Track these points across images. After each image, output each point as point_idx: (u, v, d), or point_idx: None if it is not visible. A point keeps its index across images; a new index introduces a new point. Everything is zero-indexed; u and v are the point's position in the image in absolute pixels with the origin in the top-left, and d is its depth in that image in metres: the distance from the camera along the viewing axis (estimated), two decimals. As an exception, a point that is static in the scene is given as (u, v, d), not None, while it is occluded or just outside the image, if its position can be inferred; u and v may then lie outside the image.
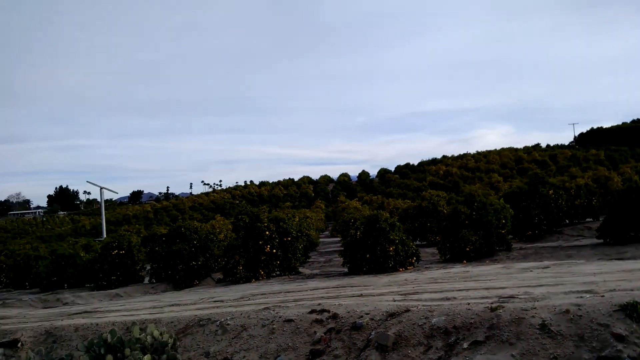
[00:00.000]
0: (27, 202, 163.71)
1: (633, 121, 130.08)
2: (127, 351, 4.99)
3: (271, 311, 8.34)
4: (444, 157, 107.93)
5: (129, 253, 18.05)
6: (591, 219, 22.58)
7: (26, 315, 12.14)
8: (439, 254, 16.47)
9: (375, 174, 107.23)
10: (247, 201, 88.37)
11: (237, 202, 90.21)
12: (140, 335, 5.46)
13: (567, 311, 5.95)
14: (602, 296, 6.38)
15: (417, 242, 23.07)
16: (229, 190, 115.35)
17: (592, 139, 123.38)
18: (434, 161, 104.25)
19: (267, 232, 15.47)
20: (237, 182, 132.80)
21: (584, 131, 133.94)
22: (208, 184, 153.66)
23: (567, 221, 22.72)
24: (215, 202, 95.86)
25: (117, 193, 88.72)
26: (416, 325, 6.65)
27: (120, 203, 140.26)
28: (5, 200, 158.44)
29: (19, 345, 8.81)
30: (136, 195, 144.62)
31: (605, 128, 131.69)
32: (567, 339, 5.64)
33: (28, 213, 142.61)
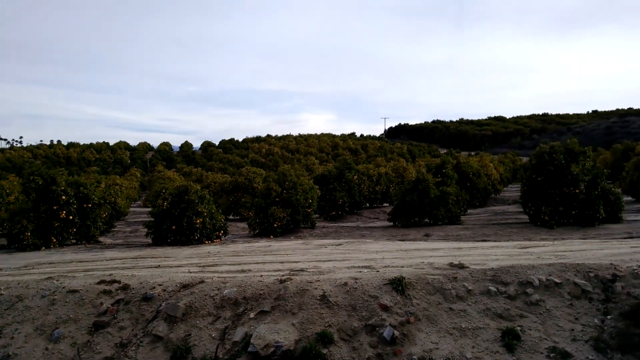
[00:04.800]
0: None
1: (433, 121, 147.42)
2: None
3: (54, 281, 7.66)
4: (269, 136, 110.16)
5: None
6: (387, 204, 25.13)
7: None
8: (249, 229, 16.80)
9: (199, 146, 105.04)
10: (52, 163, 79.51)
11: (39, 162, 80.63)
12: None
13: (346, 284, 6.53)
14: (378, 271, 7.13)
15: (231, 217, 23.23)
16: (30, 148, 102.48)
17: (399, 133, 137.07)
18: (257, 139, 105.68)
19: (64, 197, 14.13)
20: (41, 141, 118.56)
21: (394, 125, 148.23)
22: (5, 139, 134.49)
23: (368, 204, 24.95)
24: (12, 161, 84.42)
25: None
26: (208, 297, 6.69)
27: None
28: None
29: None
30: None
31: (411, 125, 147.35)
32: (342, 309, 6.20)
33: None
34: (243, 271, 7.90)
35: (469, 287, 6.51)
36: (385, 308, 6.14)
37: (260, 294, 6.61)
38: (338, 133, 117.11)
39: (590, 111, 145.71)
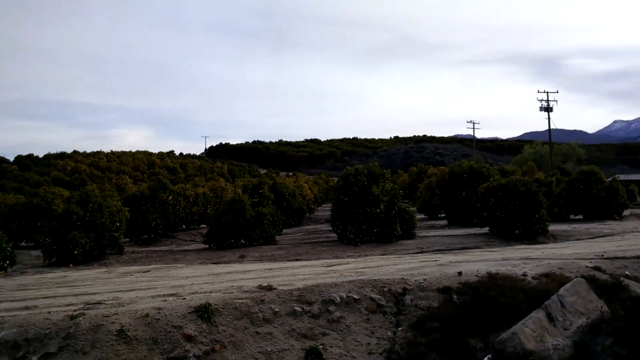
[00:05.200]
0: None
1: (254, 141, 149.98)
2: None
3: None
4: (75, 152, 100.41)
5: None
6: (205, 225, 24.55)
7: None
8: (44, 257, 14.92)
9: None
10: None
11: None
12: None
13: (147, 315, 6.08)
14: (184, 299, 6.80)
15: (24, 244, 20.45)
16: None
17: (220, 152, 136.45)
18: (62, 155, 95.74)
19: None
20: None
21: (214, 145, 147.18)
22: None
23: (184, 226, 24.08)
24: None
25: None
26: (-24, 343, 5.68)
27: None
28: None
29: None
30: None
31: (232, 145, 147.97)
32: (142, 343, 5.74)
33: None
34: (27, 308, 6.89)
35: (276, 309, 6.56)
36: (189, 338, 5.85)
37: (46, 333, 5.82)
38: (156, 151, 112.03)
39: (392, 137, 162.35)
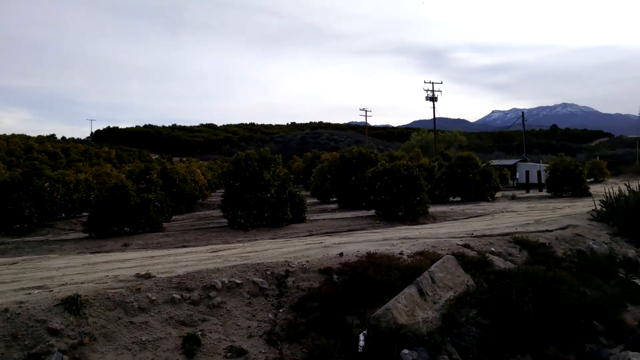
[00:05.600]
0: None
1: (145, 126, 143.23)
2: None
3: None
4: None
5: None
6: (87, 213, 23.08)
7: None
8: None
9: None
10: None
11: None
12: None
13: (6, 310, 5.60)
14: (51, 291, 6.34)
15: None
16: None
17: (108, 136, 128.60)
18: None
19: None
20: None
21: (102, 129, 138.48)
22: None
23: (64, 215, 22.47)
24: None
25: None
26: None
27: None
28: None
29: None
30: None
31: (122, 129, 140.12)
32: (0, 340, 5.29)
33: None
34: None
35: (153, 298, 6.33)
36: (54, 332, 5.46)
37: None
38: (34, 134, 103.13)
39: (289, 123, 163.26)
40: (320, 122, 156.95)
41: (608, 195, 14.14)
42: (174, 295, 6.45)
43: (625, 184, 15.21)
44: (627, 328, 7.93)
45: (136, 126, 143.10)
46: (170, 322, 6.09)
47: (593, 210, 13.85)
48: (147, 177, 18.65)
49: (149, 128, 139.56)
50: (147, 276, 6.91)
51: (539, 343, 7.17)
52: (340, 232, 13.68)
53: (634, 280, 9.66)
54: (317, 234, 13.38)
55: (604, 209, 13.66)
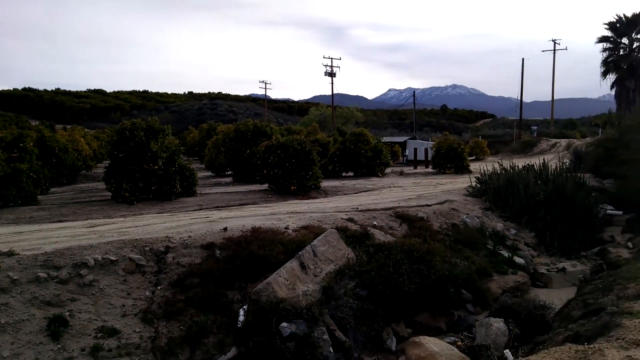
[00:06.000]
0: None
1: (24, 89, 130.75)
2: None
3: None
4: None
5: None
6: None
7: None
8: None
9: None
10: None
11: None
12: None
13: None
14: None
15: None
16: None
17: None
18: None
19: None
20: None
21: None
22: None
23: None
24: None
25: None
26: None
27: None
28: None
29: None
30: None
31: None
32: None
33: None
34: None
35: (15, 277, 5.86)
36: None
37: None
38: None
39: (186, 92, 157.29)
40: (220, 93, 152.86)
41: (483, 172, 15.31)
42: (40, 274, 6.01)
43: (499, 162, 16.55)
44: (491, 296, 8.70)
45: (14, 89, 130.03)
46: (35, 302, 5.68)
47: (469, 186, 14.90)
48: (21, 145, 17.05)
49: (28, 91, 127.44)
50: (10, 254, 6.37)
51: (412, 311, 7.65)
52: (230, 206, 13.51)
53: (501, 252, 10.60)
54: (207, 208, 13.11)
55: (478, 185, 14.77)
